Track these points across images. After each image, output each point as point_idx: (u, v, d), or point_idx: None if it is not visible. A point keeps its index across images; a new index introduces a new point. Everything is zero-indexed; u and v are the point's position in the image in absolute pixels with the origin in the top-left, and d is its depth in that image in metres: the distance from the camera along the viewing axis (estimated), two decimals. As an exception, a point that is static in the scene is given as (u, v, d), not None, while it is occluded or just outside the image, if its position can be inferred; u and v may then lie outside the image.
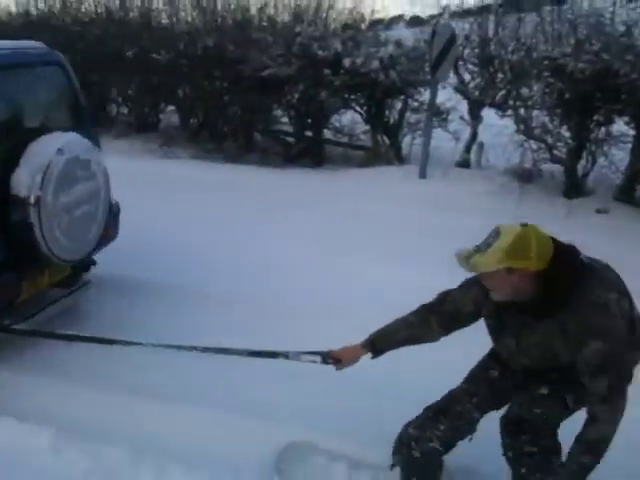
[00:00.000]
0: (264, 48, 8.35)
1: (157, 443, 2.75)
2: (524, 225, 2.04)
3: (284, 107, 8.87)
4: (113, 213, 3.91)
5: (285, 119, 9.06)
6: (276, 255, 5.01)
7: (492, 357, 2.45)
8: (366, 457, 2.71)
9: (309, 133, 8.78)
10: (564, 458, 2.20)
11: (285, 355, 2.63)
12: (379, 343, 2.42)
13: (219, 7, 9.50)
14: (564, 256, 2.05)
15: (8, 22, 11.56)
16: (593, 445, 2.05)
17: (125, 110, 10.48)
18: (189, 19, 9.84)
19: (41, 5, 11.07)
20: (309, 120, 8.71)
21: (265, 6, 9.19)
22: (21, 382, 3.16)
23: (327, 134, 8.89)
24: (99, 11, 10.50)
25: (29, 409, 2.95)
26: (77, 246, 3.41)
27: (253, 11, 9.34)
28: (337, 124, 8.77)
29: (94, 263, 3.96)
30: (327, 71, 8.05)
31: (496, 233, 2.04)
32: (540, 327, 2.13)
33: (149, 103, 10.03)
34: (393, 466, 2.43)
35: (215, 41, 8.65)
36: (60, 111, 3.82)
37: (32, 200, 3.01)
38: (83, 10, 10.68)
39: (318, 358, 2.47)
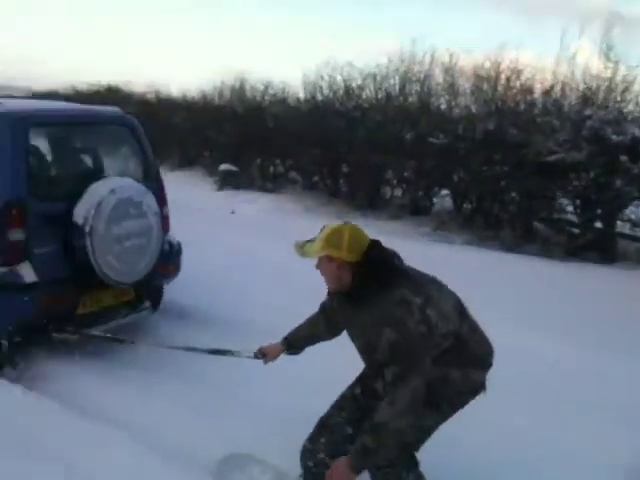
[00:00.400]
0: (549, 132, 7.93)
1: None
2: (345, 223, 2.34)
3: (569, 195, 8.27)
4: (174, 251, 4.58)
5: (570, 207, 8.43)
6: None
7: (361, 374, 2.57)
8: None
9: (598, 224, 8.01)
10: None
11: (231, 352, 3.07)
12: (291, 340, 2.75)
13: (499, 90, 9.32)
14: (377, 254, 2.25)
15: (296, 107, 12.80)
16: (374, 428, 2.13)
17: (399, 192, 10.70)
18: (467, 103, 9.81)
19: (326, 91, 11.95)
20: (599, 210, 7.96)
21: (551, 89, 8.77)
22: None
23: (621, 227, 8.02)
24: (379, 97, 11.00)
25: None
26: (129, 271, 3.95)
27: (536, 94, 9.00)
28: (633, 216, 7.88)
29: (161, 293, 4.62)
30: (623, 157, 7.33)
31: (322, 228, 2.31)
32: (357, 319, 2.30)
33: (423, 186, 10.13)
34: (301, 476, 2.59)
35: (496, 125, 8.46)
36: (128, 163, 4.52)
37: (87, 229, 3.70)
38: (364, 96, 11.29)
39: (252, 354, 2.84)
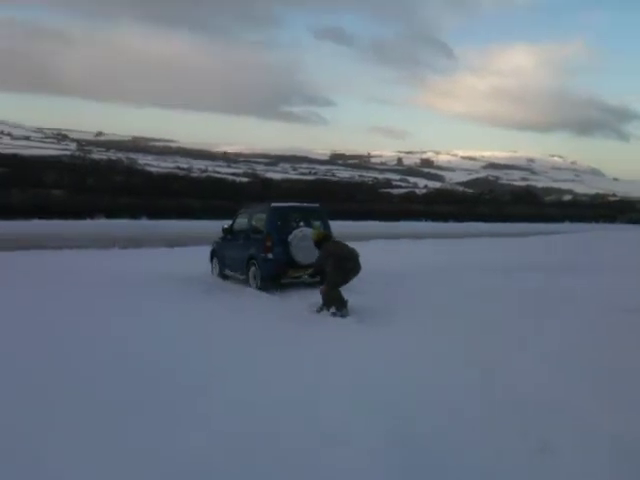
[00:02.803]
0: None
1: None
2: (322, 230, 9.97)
3: None
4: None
5: None
6: None
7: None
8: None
9: None
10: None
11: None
12: None
13: None
14: (324, 236, 9.15)
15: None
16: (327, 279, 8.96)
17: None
18: None
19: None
20: None
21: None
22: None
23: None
24: None
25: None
26: (305, 260, 10.51)
27: None
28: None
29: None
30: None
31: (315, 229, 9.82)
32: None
33: None
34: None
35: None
36: (314, 223, 11.54)
37: (292, 243, 10.69)
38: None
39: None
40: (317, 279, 10.35)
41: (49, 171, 58.64)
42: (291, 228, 10.76)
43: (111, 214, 43.07)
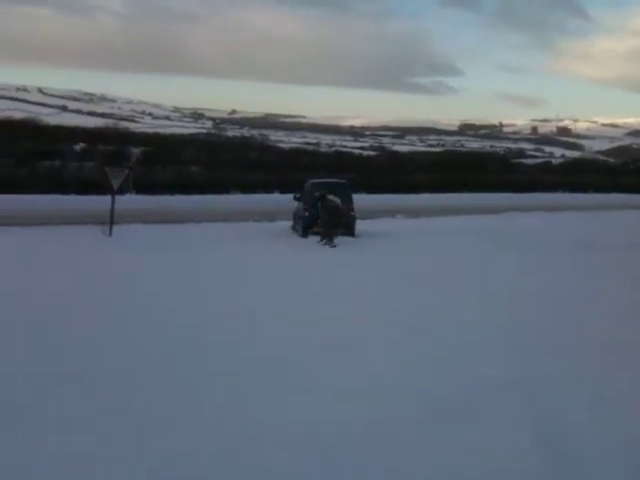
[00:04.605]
0: None
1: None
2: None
3: None
4: (353, 217, 19.81)
5: None
6: None
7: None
8: None
9: None
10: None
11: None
12: None
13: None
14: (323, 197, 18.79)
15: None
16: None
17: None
18: None
19: None
20: None
21: None
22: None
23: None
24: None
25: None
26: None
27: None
28: None
29: (353, 228, 19.28)
30: None
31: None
32: None
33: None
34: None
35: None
36: (344, 195, 19.65)
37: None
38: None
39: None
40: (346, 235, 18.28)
41: (187, 149, 61.80)
42: (322, 195, 18.10)
43: (245, 189, 44.73)
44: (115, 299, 9.24)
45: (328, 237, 16.84)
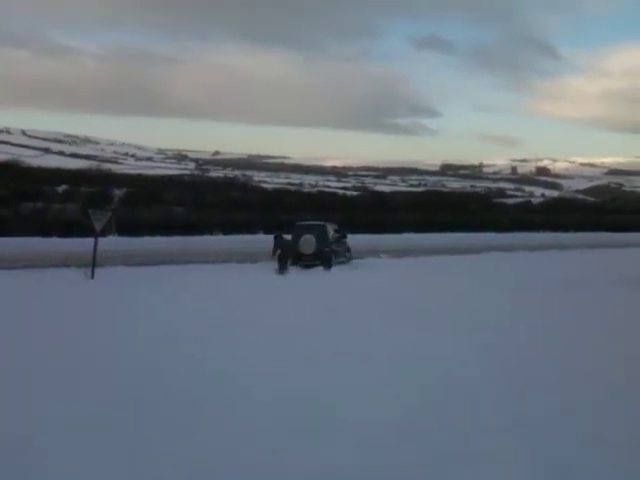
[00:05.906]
0: None
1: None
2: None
3: None
4: (329, 252, 23.15)
5: None
6: None
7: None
8: None
9: None
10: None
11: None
12: None
13: None
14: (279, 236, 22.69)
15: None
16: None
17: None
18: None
19: None
20: None
21: None
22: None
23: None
24: None
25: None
26: (306, 250, 22.43)
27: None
28: None
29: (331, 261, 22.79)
30: None
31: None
32: None
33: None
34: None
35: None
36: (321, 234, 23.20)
37: (299, 242, 23.03)
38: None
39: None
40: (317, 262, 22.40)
41: (170, 190, 61.92)
42: (303, 234, 22.56)
43: (229, 230, 44.76)
44: (88, 345, 8.89)
45: (280, 266, 20.83)
